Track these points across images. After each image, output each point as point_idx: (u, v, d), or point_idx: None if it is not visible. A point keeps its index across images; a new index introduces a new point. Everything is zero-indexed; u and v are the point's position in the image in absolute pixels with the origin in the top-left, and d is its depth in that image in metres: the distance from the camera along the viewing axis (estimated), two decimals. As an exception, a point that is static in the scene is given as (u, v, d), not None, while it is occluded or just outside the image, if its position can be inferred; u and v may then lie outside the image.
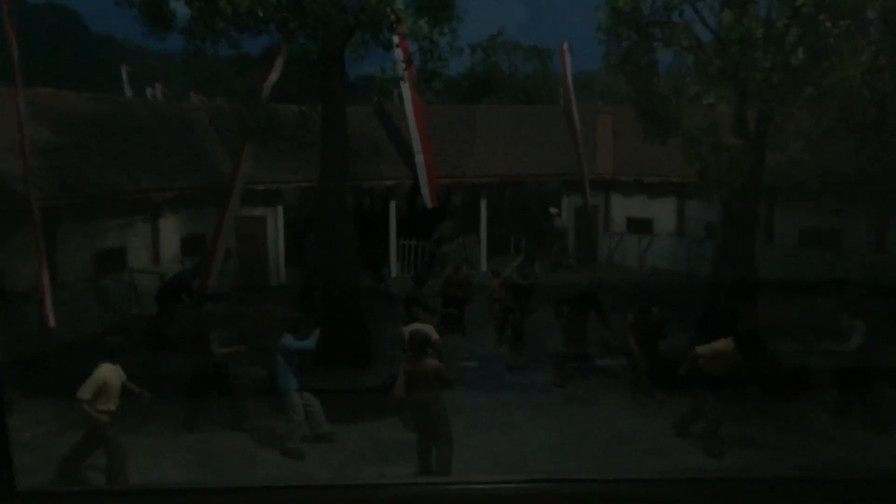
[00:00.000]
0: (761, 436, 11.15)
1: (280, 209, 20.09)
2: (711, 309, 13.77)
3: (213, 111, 20.91)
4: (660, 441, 11.18)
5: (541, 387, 13.21)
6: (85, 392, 9.30)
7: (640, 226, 22.09)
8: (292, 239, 20.05)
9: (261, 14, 10.89)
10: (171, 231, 18.41)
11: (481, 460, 10.51)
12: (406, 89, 18.63)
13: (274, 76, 14.14)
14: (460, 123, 22.33)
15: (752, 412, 11.56)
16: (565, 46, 22.75)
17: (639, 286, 19.73)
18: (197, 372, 11.66)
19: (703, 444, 10.80)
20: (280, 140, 12.33)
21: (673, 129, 13.11)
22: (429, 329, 11.87)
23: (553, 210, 22.03)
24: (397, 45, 14.42)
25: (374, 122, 21.38)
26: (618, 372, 13.44)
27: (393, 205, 21.07)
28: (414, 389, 9.62)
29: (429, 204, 20.10)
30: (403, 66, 15.15)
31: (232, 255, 18.27)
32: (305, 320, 11.88)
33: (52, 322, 12.39)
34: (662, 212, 21.78)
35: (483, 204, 21.65)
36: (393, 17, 11.40)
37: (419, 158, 19.73)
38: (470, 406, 12.01)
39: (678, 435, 11.27)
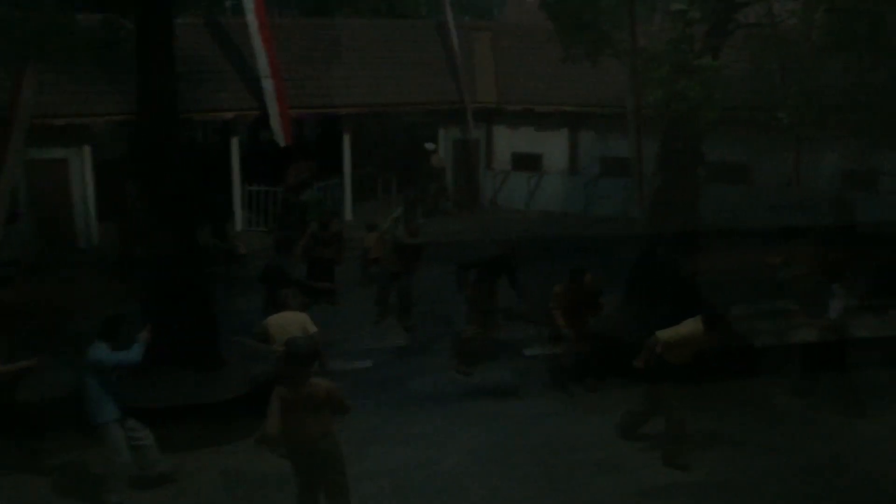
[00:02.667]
0: (730, 432, 9.30)
1: (87, 150, 16.26)
2: (646, 265, 11.79)
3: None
4: (606, 448, 9.09)
5: (446, 380, 10.78)
6: None
7: (527, 162, 19.89)
8: (106, 187, 16.31)
9: None
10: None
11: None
12: (247, -4, 15.32)
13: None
14: (316, 41, 19.01)
15: (715, 402, 9.70)
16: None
17: (530, 233, 17.77)
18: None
19: (664, 453, 8.78)
20: (70, 54, 8.88)
21: (605, 47, 10.76)
22: (303, 321, 9.09)
23: (429, 146, 19.40)
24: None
25: (207, 40, 17.71)
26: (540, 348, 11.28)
27: (236, 142, 17.65)
28: (294, 422, 6.87)
29: (281, 141, 16.89)
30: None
31: (21, 215, 14.42)
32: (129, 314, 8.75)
33: None
34: (553, 146, 19.66)
35: (346, 140, 18.66)
36: None
37: (267, 85, 16.41)
38: (364, 428, 9.41)
39: (624, 437, 9.24)
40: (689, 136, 10.31)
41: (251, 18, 15.98)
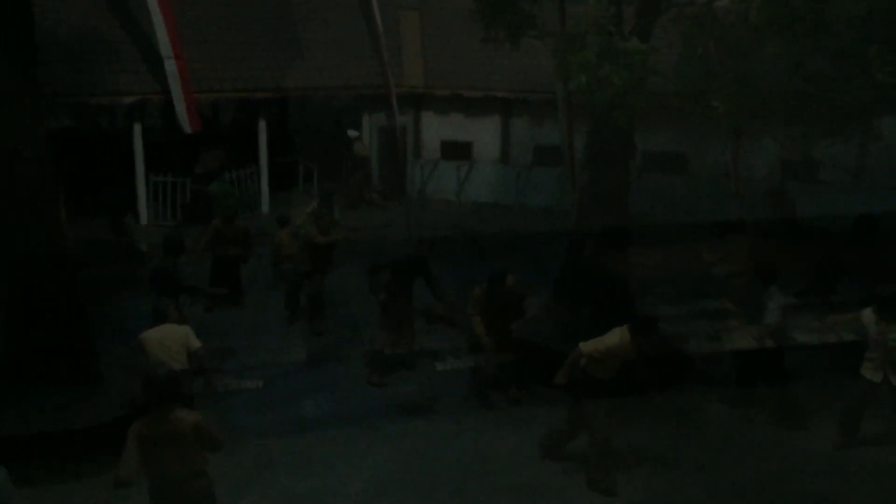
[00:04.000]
0: (661, 449, 8.67)
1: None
2: (574, 265, 11.12)
3: None
4: (527, 470, 8.39)
5: (355, 394, 9.94)
6: None
7: (457, 150, 19.06)
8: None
9: None
10: None
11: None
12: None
13: None
14: (225, 18, 17.85)
15: (645, 417, 9.07)
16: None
17: (460, 227, 17.00)
18: None
19: (588, 476, 8.10)
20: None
21: (526, 28, 9.97)
22: (184, 336, 8.14)
23: (352, 133, 18.44)
24: None
25: (103, 16, 16.43)
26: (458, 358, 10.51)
27: (138, 129, 16.44)
28: (156, 462, 5.99)
29: (186, 127, 15.76)
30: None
31: None
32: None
33: None
34: (484, 133, 18.86)
35: (262, 125, 17.59)
36: None
37: (170, 66, 15.26)
38: (257, 453, 8.51)
39: (548, 457, 8.54)
40: (618, 125, 9.61)
41: (150, -8, 14.80)
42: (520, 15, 9.99)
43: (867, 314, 8.43)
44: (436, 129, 19.18)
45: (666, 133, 16.04)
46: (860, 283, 10.62)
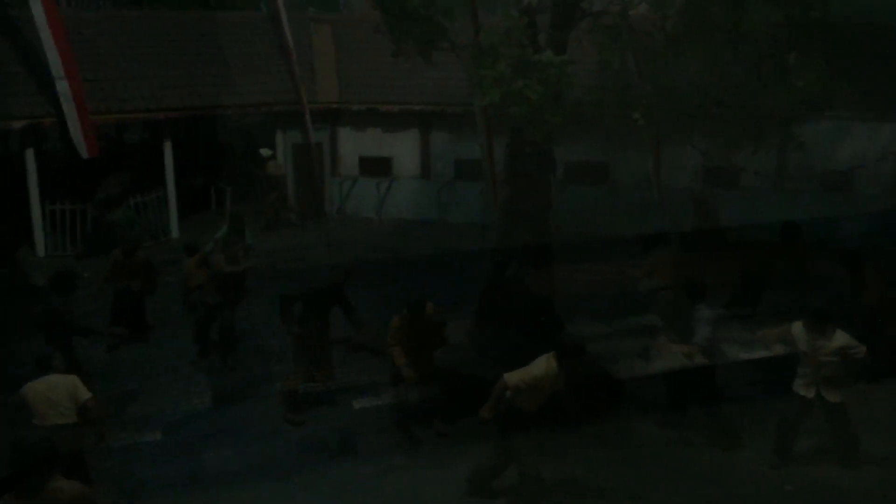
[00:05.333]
0: (594, 479, 8.30)
1: None
2: (497, 286, 10.72)
3: None
4: (456, 510, 7.93)
5: (270, 437, 9.29)
6: None
7: (376, 167, 18.53)
8: None
9: None
10: None
11: None
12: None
13: None
14: (128, 35, 16.99)
15: (576, 446, 8.70)
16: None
17: (381, 247, 16.49)
18: None
19: (520, 512, 7.69)
20: None
21: (438, 40, 9.54)
22: (72, 388, 7.41)
23: (265, 151, 17.72)
24: None
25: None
26: (379, 393, 9.95)
27: (31, 154, 15.41)
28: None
29: (83, 152, 14.83)
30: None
31: None
32: None
33: None
34: (403, 148, 18.39)
35: (168, 147, 16.75)
36: None
37: (62, 87, 14.34)
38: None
39: (475, 494, 8.08)
40: (536, 139, 9.25)
41: (37, 10, 13.86)
42: (430, 27, 9.57)
43: (797, 328, 8.23)
44: (353, 145, 18.62)
45: (587, 143, 15.83)
46: (788, 293, 10.54)
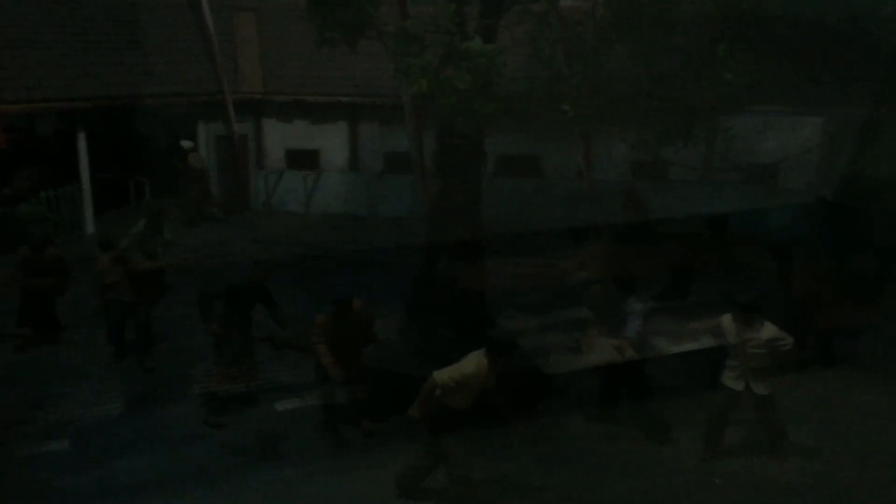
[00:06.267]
0: (525, 477, 8.18)
1: None
2: (427, 281, 10.52)
3: None
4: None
5: (190, 440, 8.91)
6: None
7: (303, 159, 18.14)
8: None
9: None
10: None
11: None
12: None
13: None
14: (40, 22, 16.19)
15: (507, 444, 8.56)
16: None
17: (309, 241, 16.13)
18: None
19: (450, 514, 7.51)
20: None
21: (363, 27, 9.26)
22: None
23: (186, 143, 17.16)
24: None
25: None
26: (305, 393, 9.65)
27: (-68, 147, 14.57)
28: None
29: (-11, 144, 14.09)
30: None
31: None
32: None
33: None
34: (331, 141, 18.03)
35: (82, 138, 16.05)
36: None
37: (-36, 74, 13.59)
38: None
39: (405, 495, 7.87)
40: (466, 131, 9.07)
41: (-63, -9, 13.09)
42: (356, 14, 9.28)
43: (726, 320, 8.24)
44: (279, 137, 18.18)
45: (519, 136, 15.74)
46: (717, 285, 10.61)
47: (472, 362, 7.37)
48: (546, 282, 11.17)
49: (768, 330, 8.00)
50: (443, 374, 7.29)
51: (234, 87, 17.30)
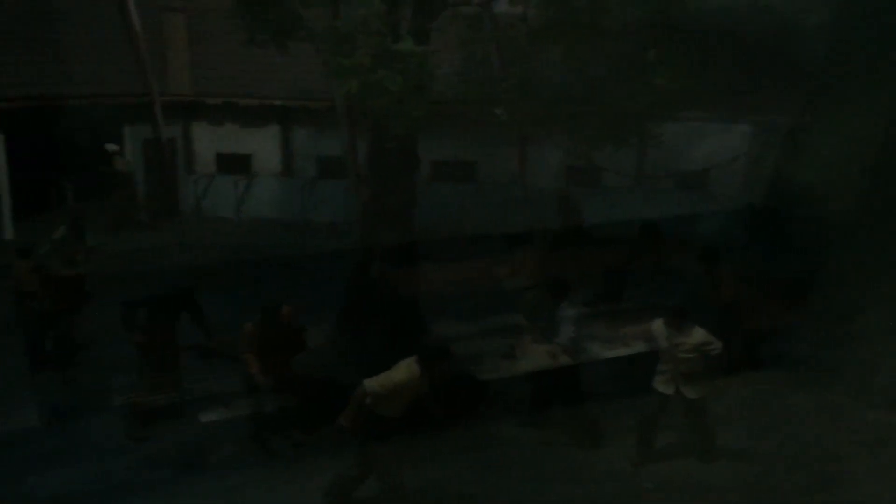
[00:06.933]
0: (458, 486, 8.10)
1: None
2: (359, 287, 10.37)
3: None
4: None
5: (111, 454, 8.59)
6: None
7: (235, 163, 17.76)
8: None
9: None
10: None
11: None
12: None
13: None
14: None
15: (440, 451, 8.47)
16: None
17: (237, 247, 15.81)
18: None
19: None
20: None
21: (293, 28, 9.09)
22: None
23: (111, 147, 16.63)
24: None
25: None
26: (233, 403, 9.39)
27: None
28: None
29: None
30: None
31: None
32: None
33: None
34: (263, 144, 17.71)
35: (0, 141, 15.43)
36: None
37: None
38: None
39: (337, 507, 7.72)
40: (399, 135, 8.97)
41: None
42: (285, 14, 9.10)
43: (657, 325, 8.30)
44: (209, 140, 17.77)
45: (454, 141, 15.73)
46: (649, 289, 10.71)
47: (403, 370, 7.26)
48: (480, 287, 11.12)
49: (698, 334, 8.08)
50: (373, 383, 7.17)
51: (163, 89, 16.85)
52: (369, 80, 7.94)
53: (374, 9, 8.09)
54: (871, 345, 9.42)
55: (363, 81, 7.97)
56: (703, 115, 14.88)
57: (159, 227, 17.04)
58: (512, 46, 8.93)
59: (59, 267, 10.26)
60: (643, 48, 8.33)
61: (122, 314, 9.17)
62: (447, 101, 9.02)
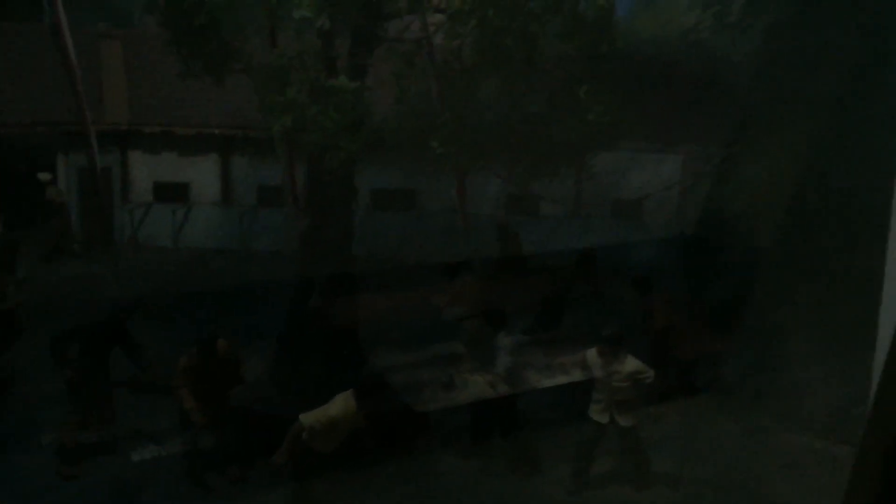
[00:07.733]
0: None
1: None
2: (297, 316, 10.32)
3: None
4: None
5: (40, 492, 8.33)
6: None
7: (172, 192, 17.49)
8: None
9: None
10: None
11: None
12: None
13: None
14: None
15: (377, 485, 8.42)
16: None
17: (174, 278, 15.55)
18: None
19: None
20: None
21: (229, 60, 9.07)
22: None
23: (44, 176, 16.26)
24: None
25: None
26: (167, 439, 9.21)
27: None
28: None
29: None
30: None
31: None
32: None
33: None
34: (202, 173, 17.49)
35: (-73, 170, 14.98)
36: None
37: None
38: None
39: (275, 541, 7.63)
40: (336, 167, 8.99)
41: None
42: (220, 47, 9.08)
43: (591, 354, 8.43)
44: (146, 169, 17.48)
45: (393, 169, 15.77)
46: (586, 318, 10.86)
47: (339, 404, 7.25)
48: (419, 316, 11.14)
49: (631, 363, 8.22)
50: (308, 418, 7.14)
51: (99, 117, 16.55)
52: (303, 116, 7.96)
53: (308, 44, 8.13)
54: (797, 370, 9.69)
55: (297, 117, 7.98)
56: (637, 144, 15.22)
57: (94, 257, 16.69)
58: (448, 81, 9.05)
59: (-13, 299, 9.96)
60: (575, 83, 8.53)
61: (51, 347, 8.94)
62: (384, 133, 9.09)
